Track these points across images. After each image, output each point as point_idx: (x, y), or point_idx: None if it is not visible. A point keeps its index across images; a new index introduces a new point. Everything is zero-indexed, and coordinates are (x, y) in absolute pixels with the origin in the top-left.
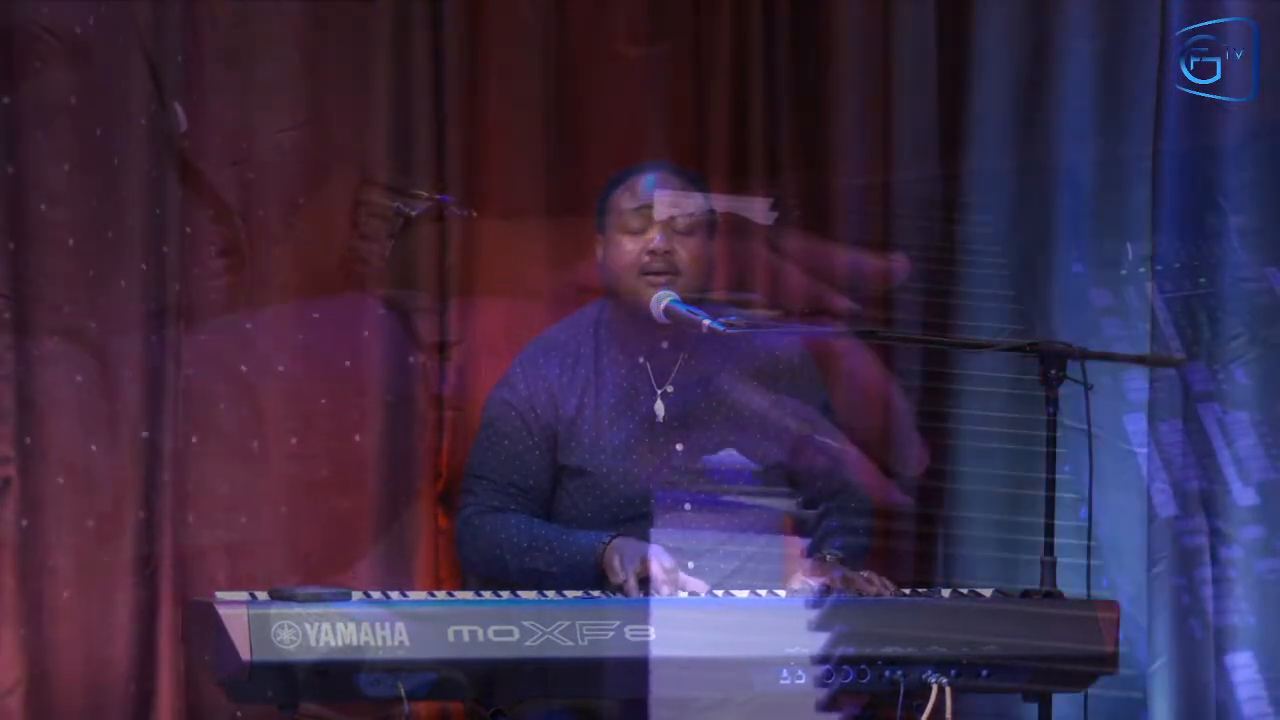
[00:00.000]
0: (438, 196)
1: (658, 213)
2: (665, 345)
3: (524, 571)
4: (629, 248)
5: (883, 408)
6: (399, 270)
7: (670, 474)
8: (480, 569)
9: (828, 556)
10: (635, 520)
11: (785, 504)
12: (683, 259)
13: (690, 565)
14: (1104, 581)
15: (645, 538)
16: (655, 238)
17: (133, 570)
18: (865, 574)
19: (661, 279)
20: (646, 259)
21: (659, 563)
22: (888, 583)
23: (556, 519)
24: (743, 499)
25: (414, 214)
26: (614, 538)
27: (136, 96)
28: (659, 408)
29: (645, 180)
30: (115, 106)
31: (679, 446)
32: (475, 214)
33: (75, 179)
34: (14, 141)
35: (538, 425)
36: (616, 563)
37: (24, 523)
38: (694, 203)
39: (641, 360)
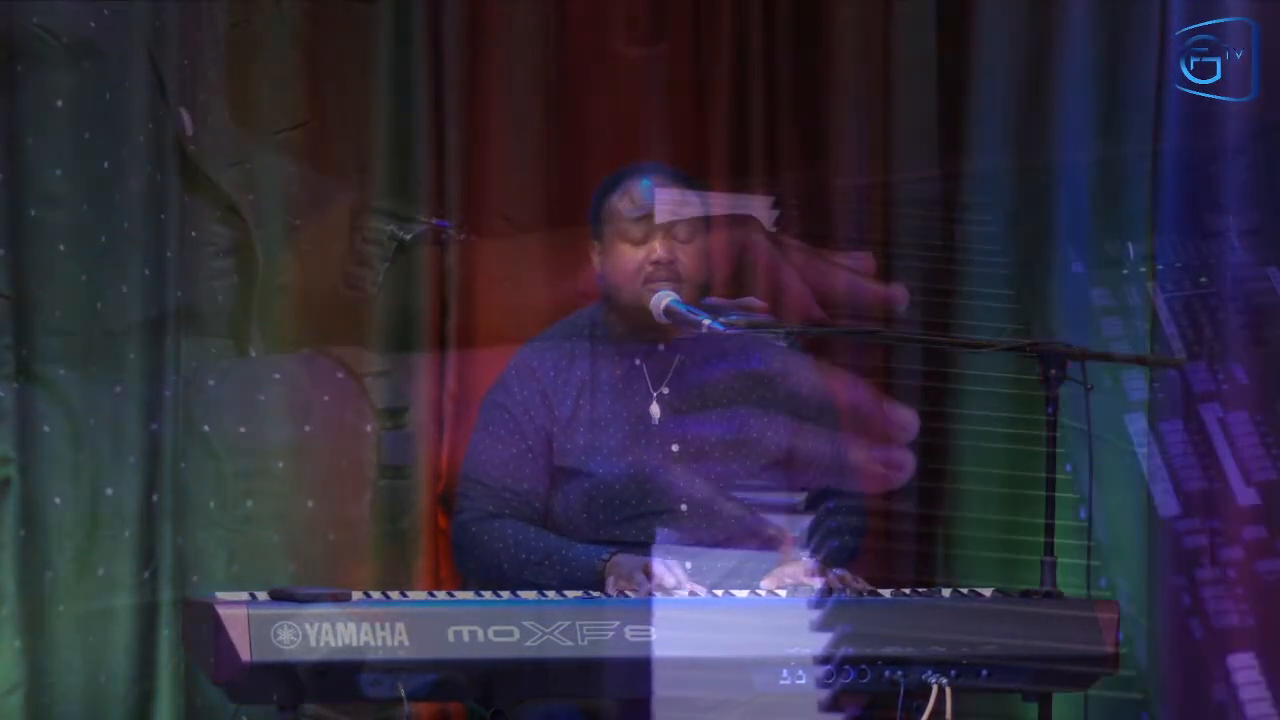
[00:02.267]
0: (435, 221)
1: (658, 219)
2: (661, 347)
3: (522, 583)
4: (632, 256)
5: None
6: (399, 272)
7: (666, 475)
8: (478, 577)
9: (803, 557)
10: (631, 521)
11: (783, 504)
12: (685, 266)
13: (688, 565)
14: (1104, 581)
15: (643, 538)
16: (658, 247)
17: (132, 572)
18: (838, 572)
19: (666, 287)
20: (650, 268)
21: (658, 566)
22: (860, 581)
23: (553, 520)
24: (740, 499)
25: (409, 238)
26: (613, 554)
27: (139, 101)
28: (654, 409)
29: (642, 186)
30: (117, 112)
31: (675, 448)
32: (472, 236)
33: (70, 185)
34: (10, 145)
35: (532, 428)
36: (610, 583)
37: (23, 529)
38: (693, 208)
39: (638, 362)
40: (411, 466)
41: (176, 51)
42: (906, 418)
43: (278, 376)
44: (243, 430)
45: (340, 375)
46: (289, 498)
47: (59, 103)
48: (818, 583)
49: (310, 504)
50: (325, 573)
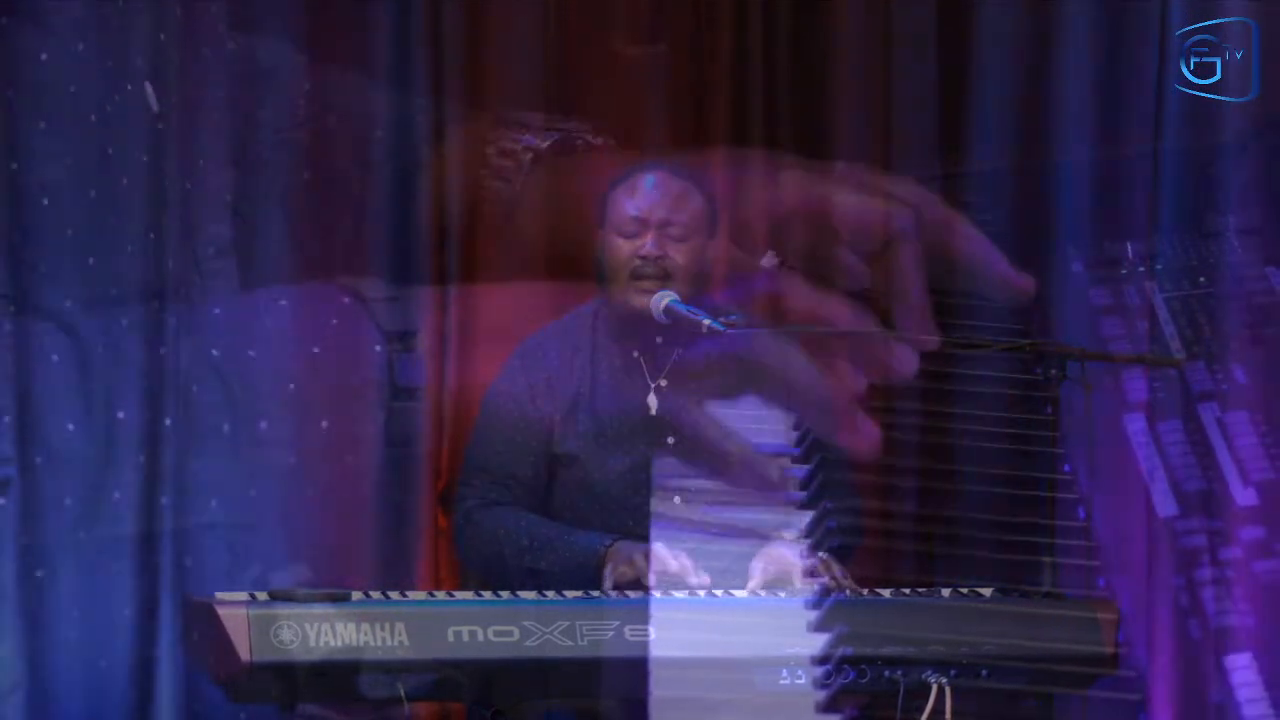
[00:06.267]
0: (570, 125)
1: (653, 217)
2: (660, 340)
3: (523, 570)
4: (623, 250)
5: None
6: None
7: (661, 467)
8: (479, 565)
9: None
10: (626, 512)
11: (778, 499)
12: (675, 264)
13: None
14: (1103, 581)
15: (638, 530)
16: (647, 242)
17: (132, 569)
18: (823, 556)
19: (652, 284)
20: (638, 263)
21: (660, 549)
22: (844, 575)
23: (550, 508)
24: (735, 493)
25: (545, 146)
26: (614, 541)
27: (123, 79)
28: (652, 400)
29: (644, 182)
30: (105, 90)
31: (671, 440)
32: (612, 141)
33: (68, 163)
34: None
35: (537, 416)
36: (609, 570)
37: (23, 522)
38: (690, 209)
39: (636, 354)
40: (421, 389)
41: (147, 25)
42: (906, 355)
43: (283, 303)
44: (252, 354)
45: (347, 300)
46: (302, 419)
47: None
48: (805, 564)
49: (324, 424)
50: (343, 496)
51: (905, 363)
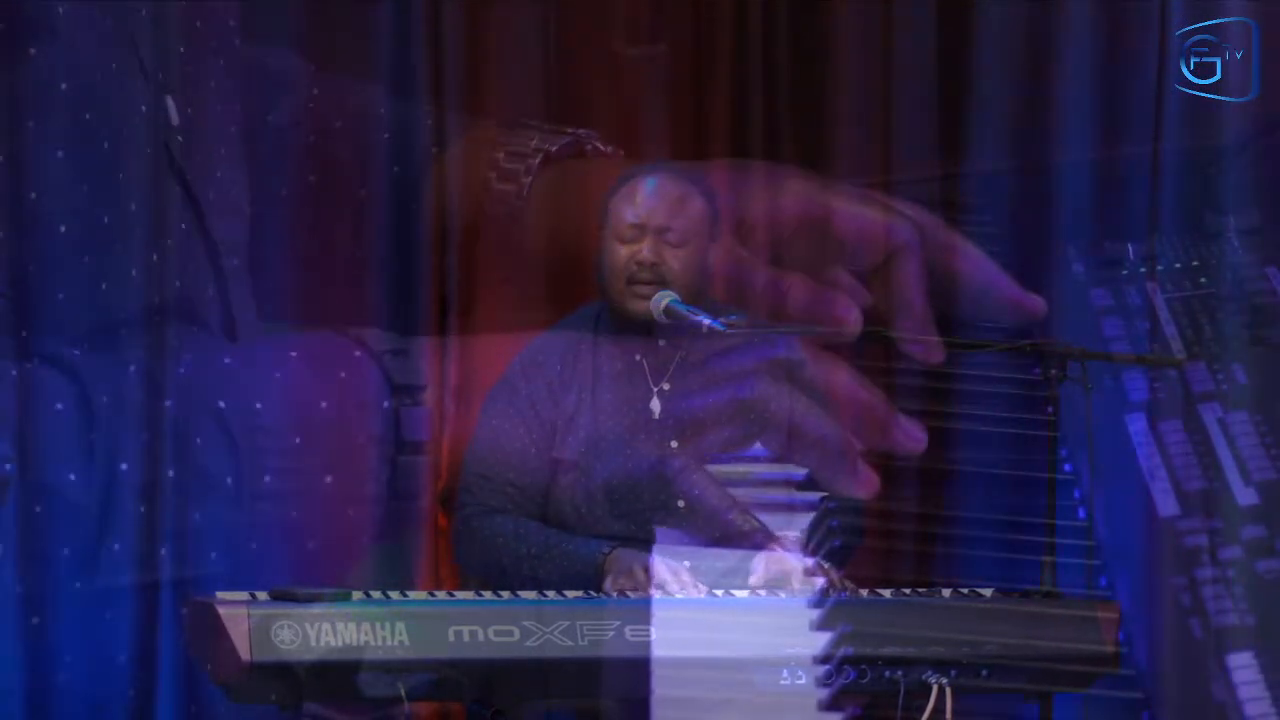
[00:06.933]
0: (579, 131)
1: (651, 223)
2: (662, 343)
3: (522, 578)
4: (620, 255)
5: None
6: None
7: (665, 471)
8: (478, 571)
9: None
10: (628, 516)
11: (785, 479)
12: (673, 270)
13: (685, 563)
14: (1104, 581)
15: (640, 534)
16: (643, 248)
17: (133, 570)
18: (822, 562)
19: (648, 290)
20: (634, 268)
21: (662, 566)
22: (837, 579)
23: (550, 512)
24: (738, 497)
25: (554, 150)
26: (613, 549)
27: (133, 94)
28: (654, 405)
29: (644, 187)
30: (113, 104)
31: (674, 443)
32: (622, 152)
33: (71, 175)
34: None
35: (537, 423)
36: (609, 581)
37: (23, 522)
38: (689, 214)
39: (638, 358)
40: (429, 443)
41: (166, 38)
42: (915, 430)
43: (294, 354)
44: (258, 406)
45: (357, 353)
46: (307, 473)
47: (63, 85)
48: (804, 563)
49: (329, 479)
50: (343, 549)
51: (912, 439)
